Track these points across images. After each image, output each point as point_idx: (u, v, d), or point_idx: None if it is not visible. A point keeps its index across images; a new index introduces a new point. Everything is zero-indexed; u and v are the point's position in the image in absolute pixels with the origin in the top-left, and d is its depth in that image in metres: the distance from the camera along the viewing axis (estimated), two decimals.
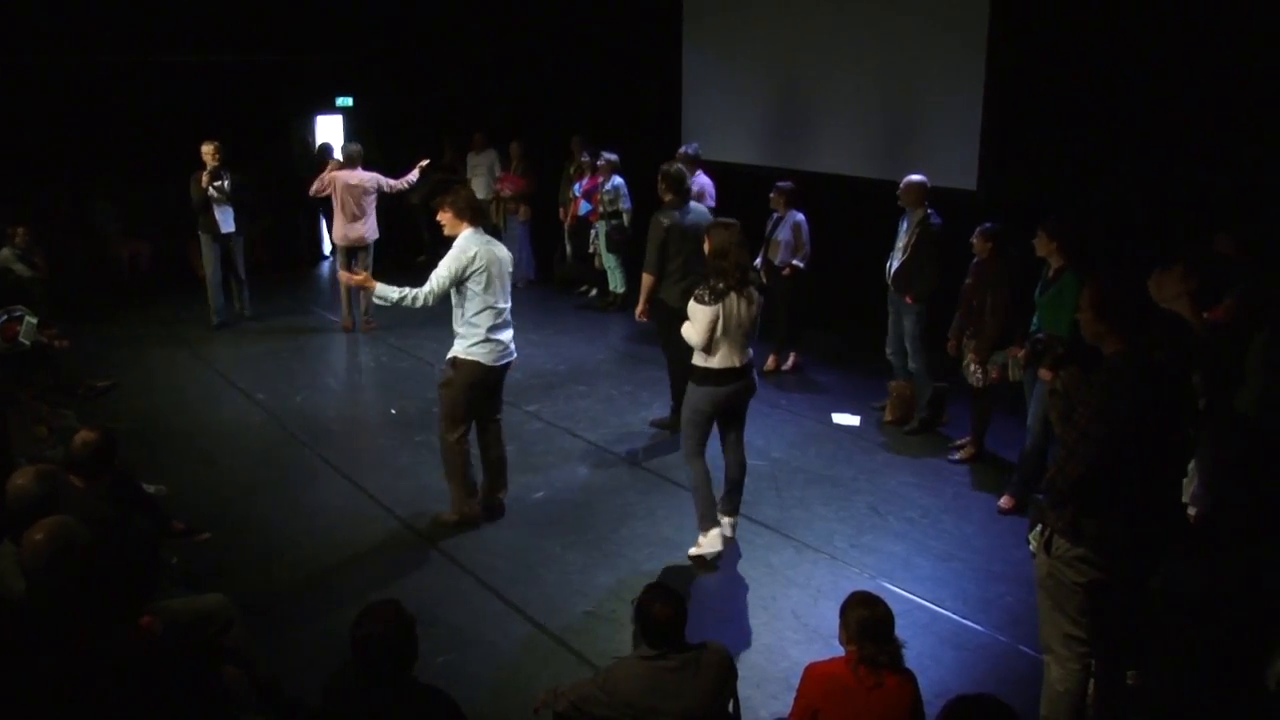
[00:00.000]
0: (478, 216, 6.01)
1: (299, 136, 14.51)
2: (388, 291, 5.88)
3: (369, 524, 6.36)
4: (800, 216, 8.83)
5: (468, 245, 5.86)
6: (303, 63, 14.33)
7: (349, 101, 15.35)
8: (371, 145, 14.29)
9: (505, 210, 12.25)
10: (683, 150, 9.64)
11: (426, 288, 5.86)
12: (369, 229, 10.27)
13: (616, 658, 3.82)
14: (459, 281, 5.84)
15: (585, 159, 11.19)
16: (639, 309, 7.53)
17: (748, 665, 4.68)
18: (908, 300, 7.61)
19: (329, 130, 15.25)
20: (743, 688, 3.90)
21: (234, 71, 13.64)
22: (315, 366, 9.49)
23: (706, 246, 5.71)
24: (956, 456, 7.35)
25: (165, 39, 12.90)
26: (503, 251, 6.04)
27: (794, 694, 3.64)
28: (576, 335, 10.42)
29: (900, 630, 3.66)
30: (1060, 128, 8.47)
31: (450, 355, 6.05)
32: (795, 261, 8.79)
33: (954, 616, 5.34)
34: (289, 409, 8.30)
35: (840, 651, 3.62)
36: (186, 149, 10.06)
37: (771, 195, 8.90)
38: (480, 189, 12.43)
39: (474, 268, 5.82)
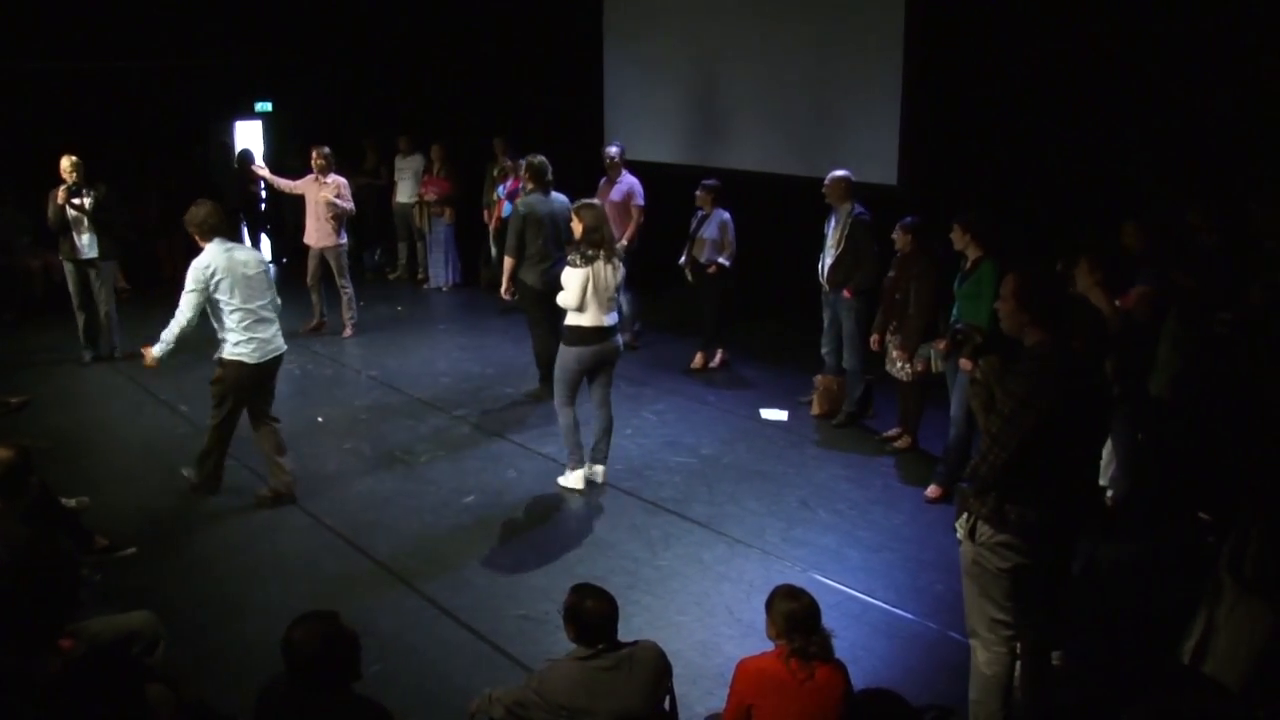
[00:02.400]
0: (216, 230, 6.28)
1: (218, 142, 14.26)
2: (165, 346, 6.27)
3: (297, 534, 6.27)
4: (726, 215, 8.88)
5: (204, 260, 6.20)
6: (221, 67, 14.08)
7: (268, 106, 15.12)
8: (293, 151, 14.11)
9: (429, 214, 12.15)
10: (608, 150, 9.65)
11: (179, 313, 6.20)
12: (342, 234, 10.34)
13: (550, 660, 3.81)
14: (205, 294, 6.17)
15: (509, 162, 11.14)
16: (503, 288, 8.32)
17: (682, 662, 4.68)
18: (846, 294, 7.64)
19: (249, 136, 15.03)
20: (678, 685, 3.91)
21: (150, 76, 13.36)
22: None
23: (578, 224, 6.49)
24: (896, 445, 7.46)
25: (78, 44, 12.60)
26: (245, 254, 6.40)
27: (728, 690, 3.67)
28: (502, 337, 10.37)
29: (832, 621, 3.71)
30: (978, 121, 8.64)
31: (217, 356, 6.38)
32: (721, 259, 8.84)
33: (885, 606, 5.41)
34: None
35: (773, 646, 3.65)
36: (101, 156, 9.79)
37: (698, 193, 8.94)
38: (407, 193, 12.36)
39: (213, 279, 6.15)
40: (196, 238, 6.29)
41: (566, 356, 6.56)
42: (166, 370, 9.26)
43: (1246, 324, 5.76)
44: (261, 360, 6.34)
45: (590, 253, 6.36)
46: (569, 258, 6.48)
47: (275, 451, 6.58)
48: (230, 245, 6.33)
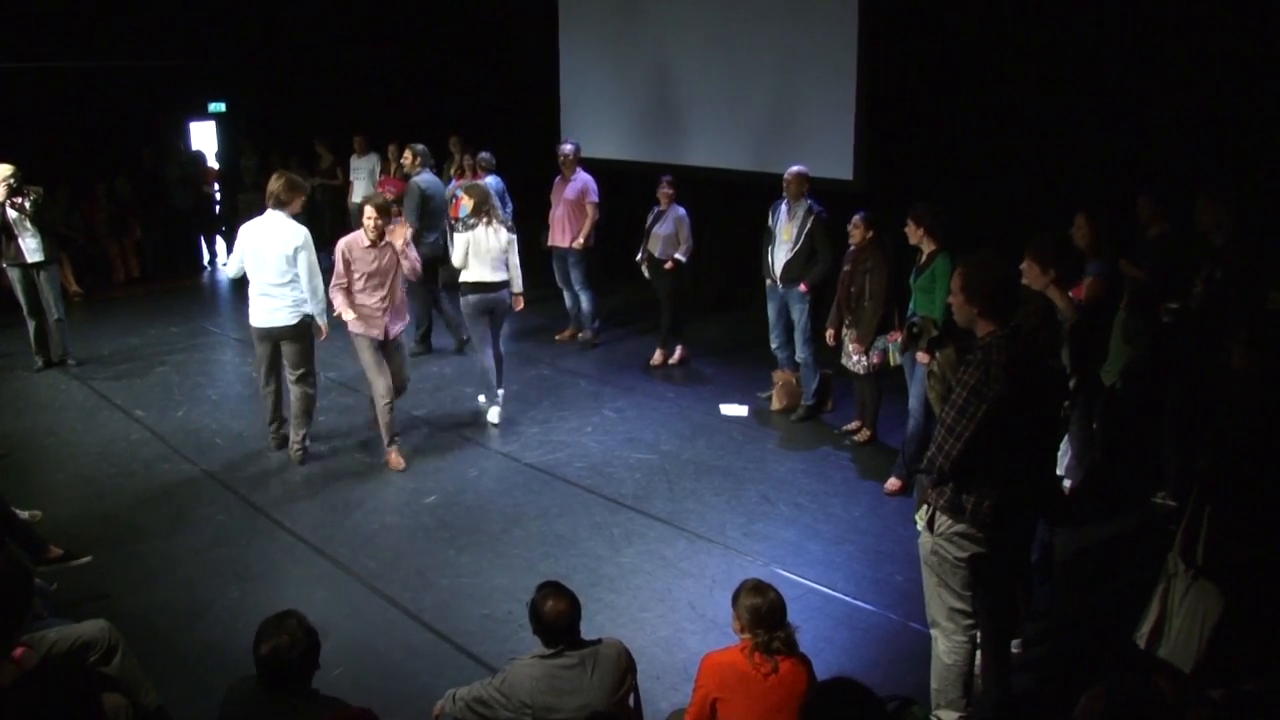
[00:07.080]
0: (283, 200, 6.96)
1: (171, 143, 14.07)
2: (322, 319, 7.07)
3: (256, 538, 6.21)
4: (682, 210, 8.90)
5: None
6: (173, 67, 13.90)
7: (222, 107, 14.98)
8: (247, 151, 13.97)
9: None
10: (563, 147, 9.64)
11: (311, 288, 6.95)
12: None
13: (514, 658, 3.81)
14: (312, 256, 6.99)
15: (469, 160, 11.09)
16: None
17: (646, 658, 4.70)
18: (803, 289, 7.66)
19: (203, 136, 14.88)
20: (642, 681, 3.92)
21: (101, 77, 13.16)
22: (196, 380, 9.20)
23: (468, 200, 7.77)
24: (855, 438, 7.51)
25: (25, 43, 12.39)
26: (264, 229, 6.99)
27: (693, 684, 3.68)
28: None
29: (794, 614, 3.73)
30: (933, 116, 8.71)
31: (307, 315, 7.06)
32: (678, 255, 8.86)
33: (846, 598, 5.45)
34: (170, 424, 8.05)
35: (736, 640, 3.67)
36: (54, 159, 9.59)
37: (660, 191, 8.90)
38: (361, 193, 12.27)
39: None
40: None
41: (463, 304, 7.87)
42: (122, 375, 9.24)
43: (1190, 314, 5.86)
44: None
45: (472, 221, 7.67)
46: (456, 224, 7.93)
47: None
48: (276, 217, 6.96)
